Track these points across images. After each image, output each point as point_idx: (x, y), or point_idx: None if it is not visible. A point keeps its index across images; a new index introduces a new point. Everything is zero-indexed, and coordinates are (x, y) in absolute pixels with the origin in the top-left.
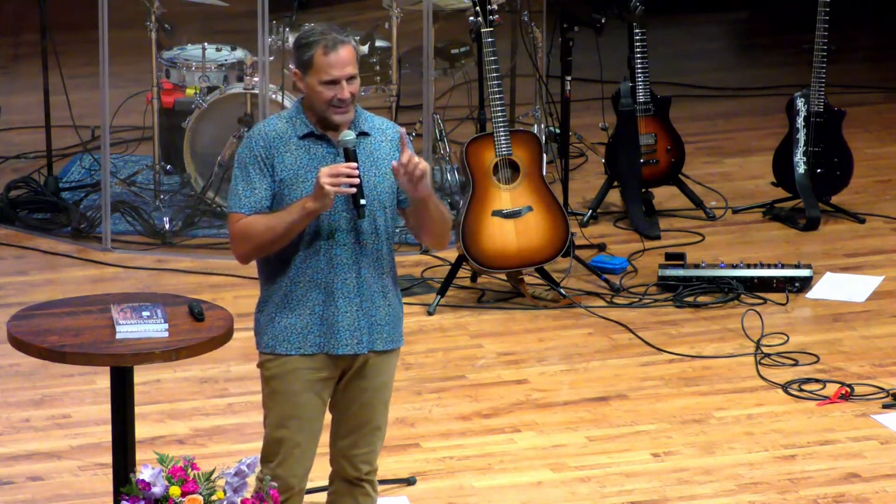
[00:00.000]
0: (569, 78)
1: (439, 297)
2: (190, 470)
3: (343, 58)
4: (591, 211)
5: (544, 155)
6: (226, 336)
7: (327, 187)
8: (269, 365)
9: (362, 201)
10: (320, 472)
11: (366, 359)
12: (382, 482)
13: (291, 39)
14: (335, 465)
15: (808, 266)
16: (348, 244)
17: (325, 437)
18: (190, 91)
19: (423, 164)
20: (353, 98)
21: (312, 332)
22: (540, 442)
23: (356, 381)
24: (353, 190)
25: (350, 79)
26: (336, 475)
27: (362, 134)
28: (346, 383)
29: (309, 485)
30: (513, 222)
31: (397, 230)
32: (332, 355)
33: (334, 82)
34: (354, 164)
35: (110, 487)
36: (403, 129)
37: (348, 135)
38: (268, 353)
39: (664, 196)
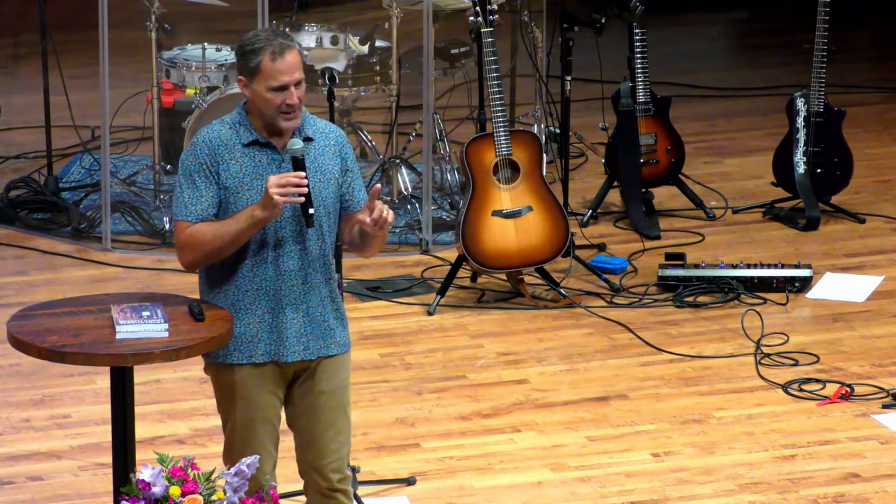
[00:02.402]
0: (569, 78)
1: (439, 297)
2: (190, 470)
3: (290, 63)
4: (591, 211)
5: (544, 155)
6: (226, 336)
7: (276, 197)
8: (220, 373)
9: (311, 210)
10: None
11: (318, 363)
12: (382, 482)
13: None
14: (306, 479)
15: (808, 266)
16: (295, 252)
17: (291, 443)
18: (190, 91)
19: (391, 217)
20: (300, 103)
21: (262, 341)
22: (540, 442)
23: (311, 388)
24: (303, 200)
25: (297, 83)
26: (309, 488)
27: (307, 139)
28: (302, 392)
29: (285, 488)
30: (513, 222)
31: (397, 230)
32: (281, 362)
33: (283, 88)
34: (303, 174)
35: (110, 487)
36: (378, 187)
37: (296, 143)
38: (219, 363)
39: (664, 196)
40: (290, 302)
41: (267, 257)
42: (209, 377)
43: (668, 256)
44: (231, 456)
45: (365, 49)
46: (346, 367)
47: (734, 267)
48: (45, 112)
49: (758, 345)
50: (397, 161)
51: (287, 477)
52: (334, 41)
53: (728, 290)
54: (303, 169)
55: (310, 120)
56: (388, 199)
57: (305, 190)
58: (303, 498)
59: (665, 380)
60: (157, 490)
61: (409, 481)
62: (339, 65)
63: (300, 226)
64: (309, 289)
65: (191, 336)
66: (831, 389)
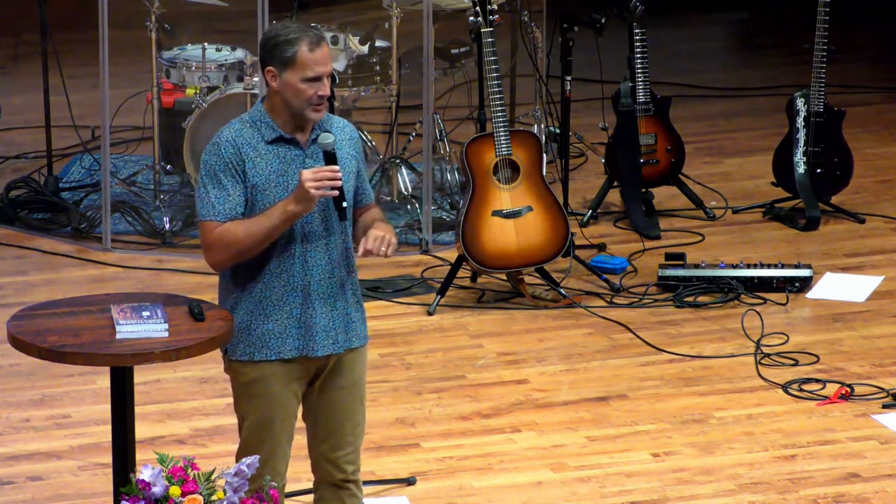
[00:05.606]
0: (569, 78)
1: (439, 297)
2: (190, 470)
3: (325, 54)
4: (591, 211)
5: (544, 155)
6: (226, 336)
7: (312, 191)
8: (245, 370)
9: (344, 204)
10: (309, 475)
11: (340, 357)
12: (382, 482)
13: None
14: (318, 472)
15: (808, 266)
16: (321, 246)
17: (302, 440)
18: (190, 91)
19: (394, 241)
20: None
21: (291, 336)
22: (540, 442)
23: (332, 381)
24: (336, 193)
25: (328, 75)
26: (320, 481)
27: (326, 133)
28: (322, 385)
29: (291, 488)
30: (513, 222)
31: (397, 229)
32: (310, 357)
33: (317, 79)
34: (337, 168)
35: (110, 487)
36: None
37: (328, 137)
38: (245, 360)
39: (664, 196)
40: (319, 296)
41: (294, 253)
42: (226, 376)
43: (668, 256)
44: (247, 455)
45: (365, 49)
46: (365, 360)
47: (734, 267)
48: (45, 112)
49: (758, 345)
50: (397, 161)
51: (290, 477)
52: (334, 41)
53: (728, 290)
54: (335, 162)
55: (326, 115)
56: (388, 199)
57: (340, 183)
58: (307, 498)
59: (665, 380)
60: (157, 490)
61: (409, 481)
62: (339, 65)
63: (326, 220)
64: (335, 282)
65: (191, 336)
66: (831, 389)
